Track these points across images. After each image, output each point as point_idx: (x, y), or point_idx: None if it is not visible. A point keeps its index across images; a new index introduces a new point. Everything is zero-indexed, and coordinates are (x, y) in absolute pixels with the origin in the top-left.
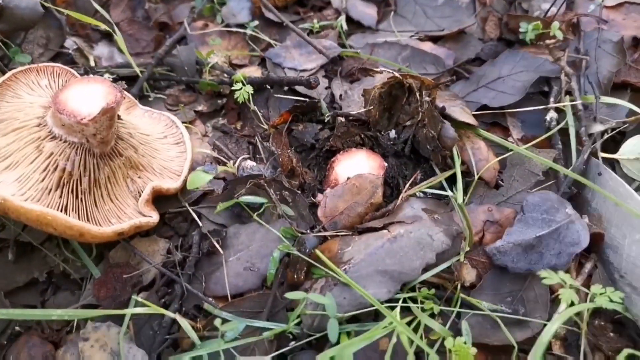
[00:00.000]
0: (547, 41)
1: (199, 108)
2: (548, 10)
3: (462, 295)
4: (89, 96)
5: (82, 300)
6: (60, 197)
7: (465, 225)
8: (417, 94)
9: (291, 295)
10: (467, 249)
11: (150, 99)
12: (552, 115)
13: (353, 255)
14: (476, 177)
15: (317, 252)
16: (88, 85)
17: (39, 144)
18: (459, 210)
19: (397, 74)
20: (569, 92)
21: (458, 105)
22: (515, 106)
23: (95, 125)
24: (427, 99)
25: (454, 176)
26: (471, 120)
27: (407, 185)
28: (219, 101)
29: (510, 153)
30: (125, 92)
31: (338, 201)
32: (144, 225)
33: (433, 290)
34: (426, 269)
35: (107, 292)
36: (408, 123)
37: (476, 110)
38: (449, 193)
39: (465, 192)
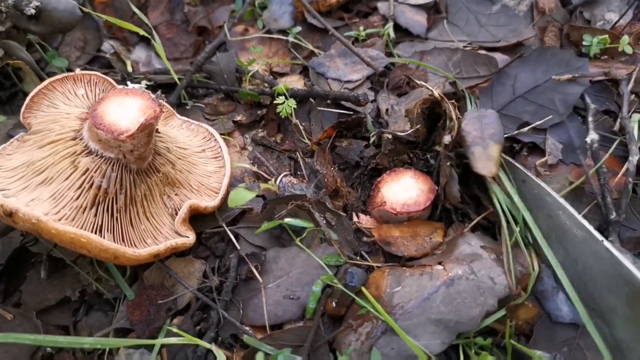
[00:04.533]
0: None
1: (238, 118)
2: (616, 22)
3: (513, 342)
4: (126, 110)
5: (115, 323)
6: (95, 215)
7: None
8: (449, 122)
9: None
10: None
11: (187, 107)
12: (592, 137)
13: (404, 299)
14: None
15: (364, 290)
16: (126, 99)
17: (74, 159)
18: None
19: (436, 93)
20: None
21: (488, 139)
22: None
23: (133, 141)
24: (447, 138)
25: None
26: (487, 172)
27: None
28: (259, 112)
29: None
30: (163, 102)
31: (393, 229)
32: (180, 246)
33: (490, 340)
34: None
35: (141, 316)
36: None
37: (519, 127)
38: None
39: None
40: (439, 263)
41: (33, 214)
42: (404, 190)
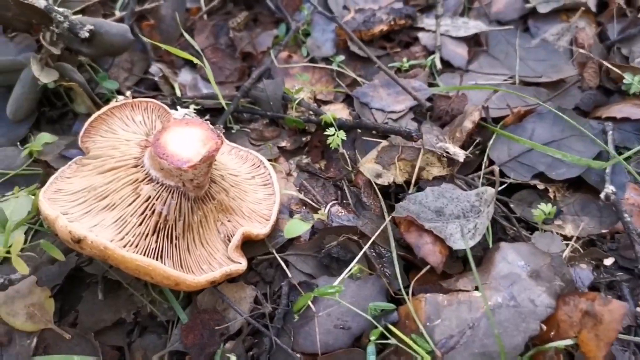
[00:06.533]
0: None
1: (283, 144)
2: None
3: None
4: (188, 140)
5: (169, 346)
6: (156, 242)
7: None
8: None
9: None
10: None
11: (233, 131)
12: (609, 189)
13: (445, 334)
14: None
15: (404, 338)
16: (187, 129)
17: (136, 187)
18: None
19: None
20: None
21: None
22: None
23: (194, 171)
24: None
25: None
26: None
27: None
28: (303, 138)
29: None
30: (220, 132)
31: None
32: (234, 272)
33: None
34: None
35: (195, 340)
36: None
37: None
38: None
39: None
40: (477, 288)
41: (101, 242)
42: None
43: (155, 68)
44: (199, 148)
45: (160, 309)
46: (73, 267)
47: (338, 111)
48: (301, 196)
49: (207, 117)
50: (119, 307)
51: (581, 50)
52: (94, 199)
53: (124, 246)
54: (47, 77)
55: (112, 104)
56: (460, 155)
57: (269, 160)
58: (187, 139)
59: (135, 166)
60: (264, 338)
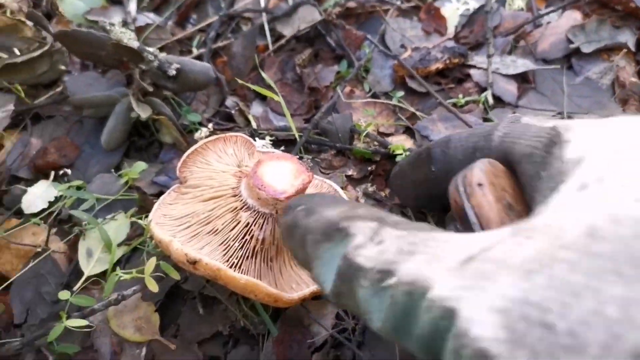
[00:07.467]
0: None
1: (349, 173)
2: None
3: None
4: (280, 173)
5: (262, 357)
6: (254, 263)
7: None
8: None
9: None
10: None
11: (303, 160)
12: None
13: None
14: None
15: None
16: (279, 162)
17: (236, 214)
18: None
19: None
20: None
21: None
22: None
23: (288, 200)
24: None
25: None
26: None
27: None
28: (368, 167)
29: None
30: (308, 165)
31: None
32: (318, 291)
33: None
34: None
35: (285, 352)
36: None
37: None
38: None
39: None
40: None
41: (215, 264)
42: None
43: (230, 102)
44: (292, 180)
45: (251, 322)
46: (173, 284)
47: (402, 142)
48: None
49: (282, 147)
50: (216, 321)
51: (623, 90)
52: (198, 224)
53: (230, 267)
54: (143, 112)
55: (208, 138)
56: None
57: (342, 188)
58: (280, 171)
59: (234, 195)
60: (346, 350)
